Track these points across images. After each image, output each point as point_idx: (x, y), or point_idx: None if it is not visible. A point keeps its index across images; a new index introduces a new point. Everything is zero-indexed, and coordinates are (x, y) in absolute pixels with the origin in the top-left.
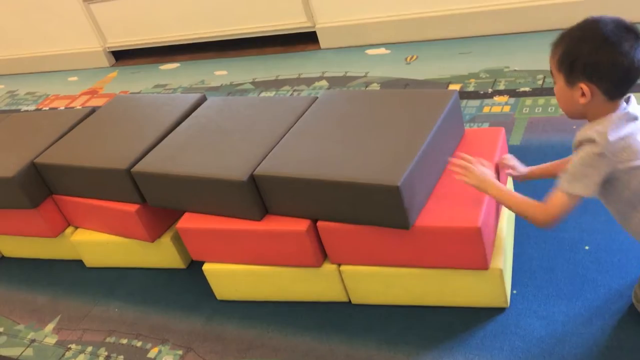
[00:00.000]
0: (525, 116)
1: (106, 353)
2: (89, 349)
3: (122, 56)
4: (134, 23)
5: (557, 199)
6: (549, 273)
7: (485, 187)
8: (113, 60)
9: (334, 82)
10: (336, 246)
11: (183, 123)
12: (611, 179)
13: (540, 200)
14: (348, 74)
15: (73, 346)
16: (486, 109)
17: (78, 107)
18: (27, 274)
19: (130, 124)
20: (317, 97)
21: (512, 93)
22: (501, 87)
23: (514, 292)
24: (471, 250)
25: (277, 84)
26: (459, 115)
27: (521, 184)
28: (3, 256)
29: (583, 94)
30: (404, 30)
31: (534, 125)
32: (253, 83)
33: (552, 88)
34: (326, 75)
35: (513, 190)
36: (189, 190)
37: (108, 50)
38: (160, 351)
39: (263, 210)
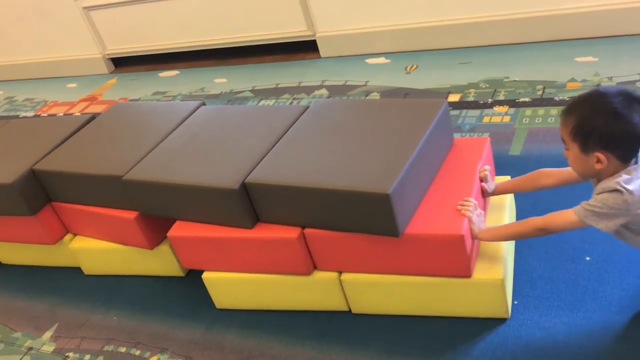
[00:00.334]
0: (525, 126)
1: None
2: (87, 357)
3: (122, 63)
4: (134, 30)
5: (569, 217)
6: (550, 284)
7: (476, 234)
8: (112, 67)
9: (334, 90)
10: (323, 253)
11: (175, 131)
12: (628, 224)
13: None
14: (348, 83)
15: (71, 354)
16: (486, 119)
17: (77, 114)
18: (25, 281)
19: (130, 131)
20: (309, 106)
21: (512, 103)
22: (501, 97)
23: (515, 302)
24: (454, 258)
25: (277, 92)
26: (448, 124)
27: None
28: (1, 263)
29: (599, 161)
30: (404, 40)
31: (534, 136)
32: (253, 91)
33: (551, 99)
34: (326, 83)
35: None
36: (181, 198)
37: (107, 57)
38: None
39: (254, 218)
